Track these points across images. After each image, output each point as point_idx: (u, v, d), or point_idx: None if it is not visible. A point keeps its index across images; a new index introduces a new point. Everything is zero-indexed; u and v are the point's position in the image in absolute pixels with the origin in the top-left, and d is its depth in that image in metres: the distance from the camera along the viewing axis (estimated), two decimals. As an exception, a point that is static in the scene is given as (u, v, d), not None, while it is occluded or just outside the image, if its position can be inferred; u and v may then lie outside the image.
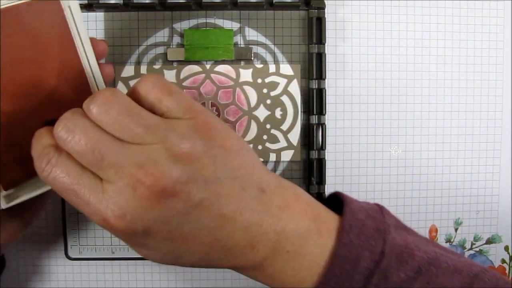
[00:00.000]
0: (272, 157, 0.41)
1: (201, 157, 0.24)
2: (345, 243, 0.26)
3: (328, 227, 0.27)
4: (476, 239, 0.44)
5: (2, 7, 0.24)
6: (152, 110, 0.25)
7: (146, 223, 0.23)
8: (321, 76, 0.40)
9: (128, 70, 0.40)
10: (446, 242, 0.44)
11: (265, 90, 0.41)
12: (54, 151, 0.24)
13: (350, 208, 0.28)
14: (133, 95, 0.25)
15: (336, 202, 0.30)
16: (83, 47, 0.28)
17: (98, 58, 0.29)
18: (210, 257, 0.26)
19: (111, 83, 0.40)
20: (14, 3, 0.25)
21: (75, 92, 0.28)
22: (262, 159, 0.41)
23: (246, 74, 0.41)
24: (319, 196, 0.41)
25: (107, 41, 0.30)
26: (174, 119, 0.24)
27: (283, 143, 0.41)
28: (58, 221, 0.42)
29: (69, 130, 0.23)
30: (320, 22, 0.40)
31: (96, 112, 0.23)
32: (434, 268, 0.26)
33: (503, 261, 0.45)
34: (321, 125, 0.40)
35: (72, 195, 0.24)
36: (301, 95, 0.41)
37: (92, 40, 0.28)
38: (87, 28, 0.28)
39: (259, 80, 0.41)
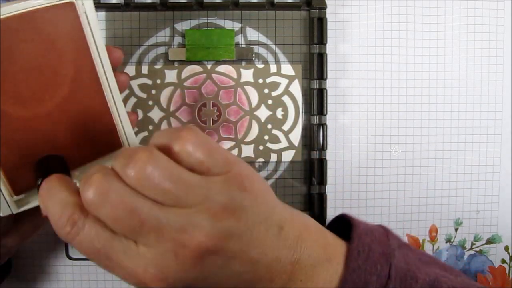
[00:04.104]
0: (273, 157, 0.41)
1: (236, 210, 0.24)
2: (353, 268, 0.27)
3: (336, 253, 0.28)
4: (476, 239, 0.44)
5: (18, 12, 0.24)
6: (191, 169, 0.24)
7: (187, 282, 0.24)
8: (322, 76, 0.40)
9: (129, 70, 0.40)
10: (446, 242, 0.44)
11: (266, 90, 0.41)
12: (79, 212, 0.23)
13: (357, 233, 0.29)
14: (169, 152, 0.24)
15: (340, 223, 0.31)
16: (99, 54, 0.27)
17: (113, 66, 0.29)
18: None
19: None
20: (30, 8, 0.25)
21: (89, 99, 0.28)
22: (263, 160, 0.41)
23: (247, 74, 0.41)
24: (320, 197, 0.41)
25: (123, 49, 0.30)
26: (212, 176, 0.24)
27: (284, 143, 0.41)
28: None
29: (102, 194, 0.22)
30: (321, 22, 0.40)
31: (134, 176, 0.22)
32: None
33: (503, 261, 0.45)
34: (322, 125, 0.40)
35: (104, 259, 0.23)
36: (302, 95, 0.41)
37: (108, 47, 0.28)
38: (103, 36, 0.28)
39: (260, 80, 0.41)
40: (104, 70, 0.28)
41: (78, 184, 0.23)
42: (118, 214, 0.22)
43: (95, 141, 0.29)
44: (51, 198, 0.23)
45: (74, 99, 0.27)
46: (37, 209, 0.26)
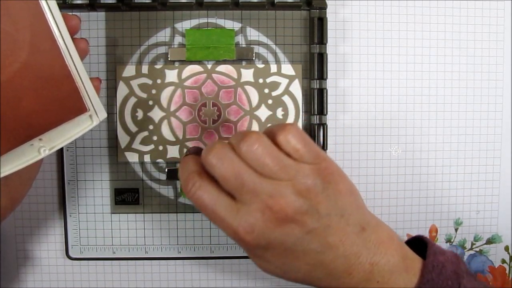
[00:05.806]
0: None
1: (318, 194, 0.29)
2: (428, 279, 0.30)
3: (413, 266, 0.31)
4: (476, 239, 0.44)
5: None
6: (287, 154, 0.29)
7: (267, 240, 0.29)
8: (322, 76, 0.40)
9: (130, 70, 0.40)
10: (446, 242, 0.44)
11: (266, 90, 0.41)
12: (198, 176, 0.30)
13: (433, 251, 0.32)
14: (274, 139, 0.30)
15: (417, 244, 0.35)
16: (54, 20, 0.28)
17: (71, 33, 0.29)
18: (313, 275, 0.31)
19: (112, 82, 0.41)
20: None
21: (50, 64, 0.28)
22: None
23: (247, 74, 0.41)
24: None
25: (80, 17, 0.30)
26: (303, 163, 0.29)
27: (284, 143, 0.41)
28: (59, 221, 0.42)
29: (219, 158, 0.29)
30: (321, 22, 0.40)
31: (244, 150, 0.29)
32: None
33: (503, 261, 0.45)
34: (323, 125, 0.40)
35: (210, 212, 0.29)
36: (303, 95, 0.41)
37: (64, 15, 0.29)
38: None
39: (261, 80, 0.41)
40: (61, 35, 0.28)
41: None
42: (228, 174, 0.28)
43: (59, 106, 0.29)
44: (183, 168, 0.31)
45: (35, 64, 0.27)
46: (23, 170, 0.29)
